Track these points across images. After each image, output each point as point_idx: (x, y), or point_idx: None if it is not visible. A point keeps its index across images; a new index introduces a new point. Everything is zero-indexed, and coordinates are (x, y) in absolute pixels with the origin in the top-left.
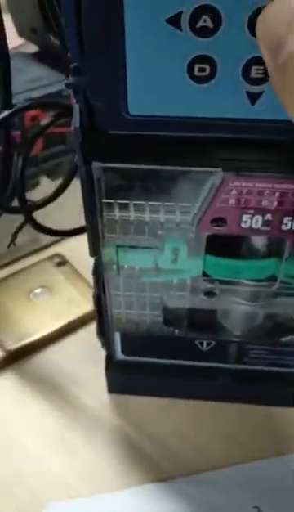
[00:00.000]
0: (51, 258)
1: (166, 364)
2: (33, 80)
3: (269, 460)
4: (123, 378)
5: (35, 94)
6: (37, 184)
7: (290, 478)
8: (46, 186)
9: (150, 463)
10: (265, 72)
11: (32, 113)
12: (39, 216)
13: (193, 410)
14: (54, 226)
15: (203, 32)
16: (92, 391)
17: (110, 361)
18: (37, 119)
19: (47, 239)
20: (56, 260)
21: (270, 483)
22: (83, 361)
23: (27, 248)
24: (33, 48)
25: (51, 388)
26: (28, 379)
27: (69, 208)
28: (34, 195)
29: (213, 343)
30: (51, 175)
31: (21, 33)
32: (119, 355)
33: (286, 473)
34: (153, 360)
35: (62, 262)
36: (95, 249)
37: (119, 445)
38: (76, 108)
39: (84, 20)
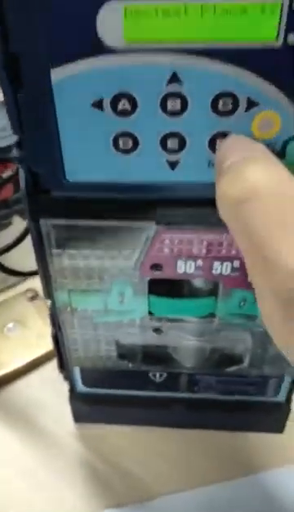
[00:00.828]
0: (24, 292)
1: (124, 394)
2: (2, 129)
3: (228, 483)
4: (86, 408)
5: (4, 143)
6: (9, 224)
7: (246, 500)
8: (19, 224)
9: (112, 490)
10: (180, 142)
11: None
12: (12, 253)
13: (153, 437)
14: (26, 263)
15: (123, 113)
16: (59, 421)
17: (73, 392)
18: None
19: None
20: (29, 294)
21: (232, 503)
22: (52, 392)
23: (0, 284)
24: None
25: (20, 419)
26: None
27: None
28: (7, 234)
29: (165, 374)
30: (23, 214)
31: None
32: (80, 387)
33: (245, 495)
34: (112, 391)
35: (34, 296)
36: (48, 293)
37: (83, 472)
38: (22, 173)
39: (21, 105)
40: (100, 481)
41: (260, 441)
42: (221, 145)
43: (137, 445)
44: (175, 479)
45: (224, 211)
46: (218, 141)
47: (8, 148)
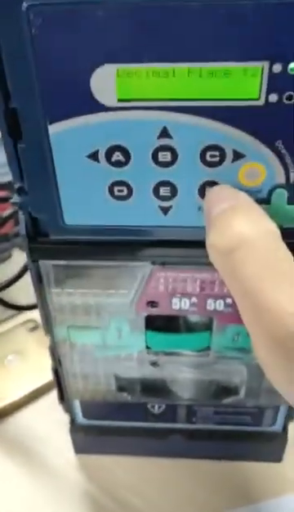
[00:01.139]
0: (24, 323)
1: (123, 426)
2: (3, 165)
3: None
4: (86, 439)
5: (5, 179)
6: (9, 256)
7: None
8: (19, 256)
9: None
10: (171, 190)
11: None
12: (12, 286)
13: (153, 468)
14: (25, 296)
15: (117, 164)
16: (60, 452)
17: (73, 424)
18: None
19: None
20: (29, 326)
21: None
22: (52, 423)
23: (1, 315)
24: None
25: (20, 450)
26: None
27: None
28: (7, 267)
29: (164, 406)
30: (23, 247)
31: None
32: (80, 419)
33: None
34: (112, 422)
35: (35, 327)
36: (48, 329)
37: (84, 503)
38: (22, 218)
39: (21, 155)
40: None
41: (258, 470)
42: (208, 194)
43: (137, 476)
44: (175, 511)
45: (214, 259)
46: (207, 189)
47: (9, 184)
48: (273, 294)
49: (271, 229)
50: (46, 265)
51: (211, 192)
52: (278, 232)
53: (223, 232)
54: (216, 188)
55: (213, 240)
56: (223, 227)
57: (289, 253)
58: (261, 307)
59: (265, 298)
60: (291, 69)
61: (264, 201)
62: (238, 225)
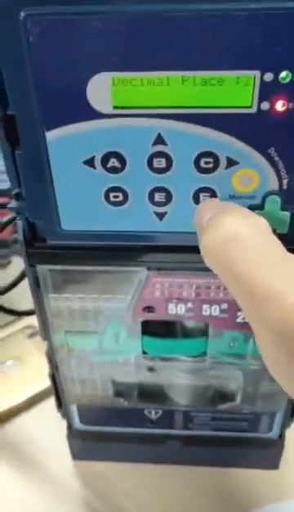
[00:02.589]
0: (23, 329)
1: (121, 432)
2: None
3: None
4: (83, 445)
5: (5, 186)
6: (8, 263)
7: None
8: (18, 263)
9: None
10: (166, 196)
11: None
12: (11, 292)
13: (150, 475)
14: (24, 302)
15: (113, 170)
16: (57, 458)
17: (70, 430)
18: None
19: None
20: (28, 332)
21: None
22: (50, 429)
23: (0, 321)
24: None
25: (18, 456)
26: None
27: None
28: (6, 273)
29: (161, 412)
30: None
31: None
32: (77, 424)
33: None
34: (109, 428)
35: (34, 333)
36: (45, 335)
37: (79, 509)
38: (19, 224)
39: (19, 161)
40: None
41: (255, 477)
42: (198, 208)
43: (133, 482)
44: None
45: (210, 260)
46: (201, 196)
47: (9, 190)
48: (269, 283)
49: (261, 223)
50: (43, 270)
51: (200, 205)
52: (268, 226)
53: (215, 231)
54: (205, 202)
55: (207, 241)
56: (215, 227)
57: (280, 244)
58: (259, 296)
59: (262, 288)
60: (283, 78)
61: (257, 207)
62: (229, 223)
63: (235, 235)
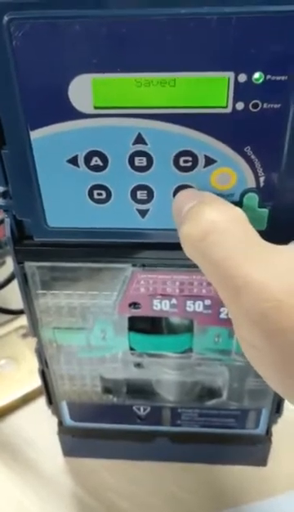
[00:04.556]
0: (17, 329)
1: (110, 428)
2: None
3: None
4: (74, 441)
5: None
6: (3, 263)
7: None
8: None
9: None
10: (148, 194)
11: None
12: (4, 291)
13: (139, 471)
14: (17, 301)
15: (96, 168)
16: (49, 455)
17: (61, 426)
18: None
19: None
20: (21, 332)
21: None
22: (42, 427)
23: None
24: None
25: (11, 454)
26: None
27: None
28: (1, 273)
29: (149, 408)
30: None
31: None
32: (68, 421)
33: None
34: (99, 425)
35: (27, 333)
36: (34, 331)
37: (71, 506)
38: (7, 222)
39: (5, 160)
40: None
41: (244, 473)
42: (176, 197)
43: (124, 479)
44: None
45: (190, 250)
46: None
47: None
48: (247, 272)
49: (238, 214)
50: (31, 267)
51: (178, 195)
52: (245, 216)
53: (195, 222)
54: (182, 192)
55: (187, 230)
56: (194, 218)
57: (257, 235)
58: (238, 285)
59: (240, 277)
60: (256, 79)
61: (236, 204)
62: (208, 214)
63: (213, 225)
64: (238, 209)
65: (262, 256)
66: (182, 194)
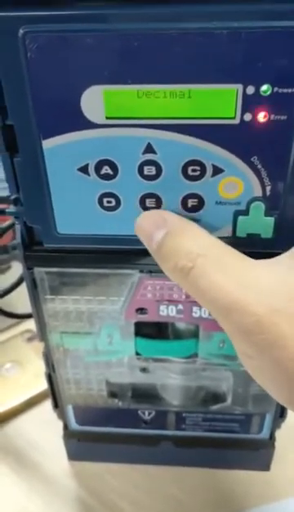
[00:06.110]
0: (22, 333)
1: (115, 432)
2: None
3: None
4: (79, 445)
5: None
6: (8, 268)
7: None
8: (18, 268)
9: None
10: (156, 202)
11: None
12: (10, 296)
13: (144, 475)
14: (23, 305)
15: (106, 177)
16: (54, 458)
17: (66, 430)
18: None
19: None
20: (27, 336)
21: None
22: (47, 431)
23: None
24: None
25: (16, 457)
26: None
27: None
28: (7, 278)
29: (154, 412)
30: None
31: None
32: (73, 425)
33: None
34: (104, 429)
35: (32, 337)
36: (42, 335)
37: (75, 509)
38: (18, 228)
39: (17, 168)
40: None
41: (247, 478)
42: (140, 223)
43: (128, 483)
44: None
45: (177, 282)
46: (189, 201)
47: (8, 198)
48: (231, 295)
49: (213, 241)
50: (40, 272)
51: (141, 220)
52: (220, 242)
53: (173, 262)
54: (145, 215)
55: (169, 270)
56: (172, 257)
57: (237, 253)
58: (225, 308)
59: (225, 300)
60: (264, 91)
61: (243, 213)
62: (183, 248)
63: (192, 260)
64: (211, 237)
65: (243, 276)
66: (145, 219)
